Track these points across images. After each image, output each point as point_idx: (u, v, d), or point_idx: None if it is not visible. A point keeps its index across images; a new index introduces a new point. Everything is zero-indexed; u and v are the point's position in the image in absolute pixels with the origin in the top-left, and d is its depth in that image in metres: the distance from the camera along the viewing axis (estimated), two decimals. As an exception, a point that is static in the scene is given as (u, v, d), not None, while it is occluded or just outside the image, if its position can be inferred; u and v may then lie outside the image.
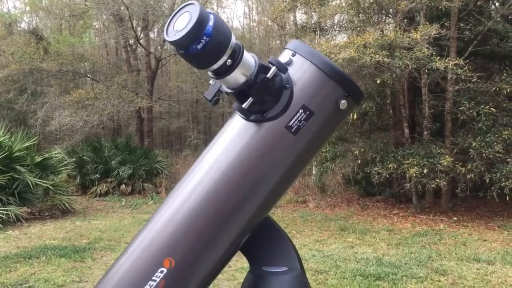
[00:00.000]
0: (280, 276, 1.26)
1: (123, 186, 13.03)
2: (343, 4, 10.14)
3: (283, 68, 1.14)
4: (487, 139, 8.02)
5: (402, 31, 8.48)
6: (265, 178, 1.20)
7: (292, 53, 1.22)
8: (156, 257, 1.18)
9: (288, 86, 1.17)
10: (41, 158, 10.44)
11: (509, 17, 10.03)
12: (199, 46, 1.02)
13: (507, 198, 8.02)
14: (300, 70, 1.19)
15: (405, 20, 9.66)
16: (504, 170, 7.89)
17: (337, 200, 11.30)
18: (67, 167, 12.25)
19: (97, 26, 20.32)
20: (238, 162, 1.18)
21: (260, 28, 23.20)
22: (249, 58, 1.12)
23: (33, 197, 9.64)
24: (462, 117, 8.54)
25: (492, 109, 8.17)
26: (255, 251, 1.32)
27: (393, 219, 9.04)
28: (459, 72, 7.97)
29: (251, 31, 24.60)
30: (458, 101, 8.71)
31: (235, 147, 1.20)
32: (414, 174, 8.25)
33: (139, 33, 16.55)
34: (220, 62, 1.07)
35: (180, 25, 1.04)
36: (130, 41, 17.01)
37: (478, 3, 9.64)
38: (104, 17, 17.59)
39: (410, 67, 8.14)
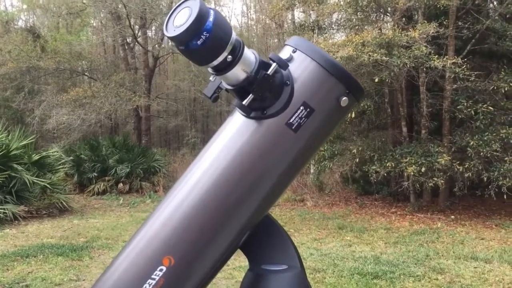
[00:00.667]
0: (279, 274, 1.25)
1: (120, 185, 13.01)
2: (341, 3, 10.13)
3: (283, 64, 1.13)
4: (485, 138, 8.03)
5: (400, 30, 8.48)
6: (265, 176, 1.19)
7: (293, 50, 1.21)
8: (155, 255, 1.17)
9: (288, 82, 1.16)
10: (38, 157, 10.41)
11: (507, 16, 10.03)
12: (199, 42, 1.01)
13: (505, 196, 8.03)
14: (301, 67, 1.18)
15: (403, 19, 9.65)
16: (502, 169, 7.90)
17: (335, 198, 11.30)
18: (65, 166, 12.22)
19: (94, 24, 20.25)
20: (238, 159, 1.17)
21: (258, 27, 23.19)
22: (249, 54, 1.11)
23: (30, 196, 9.60)
24: (460, 116, 8.55)
25: (490, 107, 8.18)
26: (254, 249, 1.31)
27: (391, 218, 9.05)
28: (457, 70, 7.97)
29: (249, 30, 24.58)
30: (456, 99, 8.72)
31: (235, 144, 1.19)
32: (412, 173, 8.26)
33: (136, 31, 16.50)
34: (220, 58, 1.06)
35: (180, 20, 1.03)
36: (127, 39, 16.97)
37: (476, 2, 9.64)
38: (101, 15, 17.53)
39: (408, 65, 8.14)
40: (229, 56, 1.06)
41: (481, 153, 7.99)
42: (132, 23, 15.79)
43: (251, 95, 1.11)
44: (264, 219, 1.30)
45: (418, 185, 8.96)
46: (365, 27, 9.70)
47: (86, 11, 16.81)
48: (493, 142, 7.93)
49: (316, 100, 1.17)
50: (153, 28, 18.04)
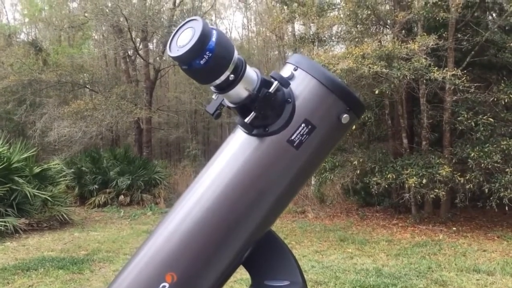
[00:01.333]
0: (282, 290, 1.25)
1: (121, 197, 13.00)
2: (341, 15, 10.21)
3: (285, 82, 1.15)
4: (486, 149, 8.04)
5: (400, 42, 8.53)
6: (267, 192, 1.20)
7: (294, 68, 1.22)
8: (158, 272, 1.17)
9: (290, 100, 1.17)
10: (39, 169, 10.42)
11: (506, 28, 10.09)
12: (202, 62, 1.03)
13: (506, 208, 8.02)
14: (302, 85, 1.20)
15: (403, 31, 9.72)
16: (503, 180, 7.90)
17: (336, 210, 11.28)
18: (66, 178, 12.22)
19: (96, 37, 20.40)
20: (240, 176, 1.19)
21: (259, 39, 23.30)
22: (251, 72, 1.13)
23: (31, 208, 9.60)
24: (460, 127, 8.57)
25: (490, 119, 8.20)
26: (256, 265, 1.31)
27: (393, 230, 9.03)
28: (457, 82, 8.01)
29: (249, 42, 24.72)
30: (456, 111, 8.74)
31: (237, 161, 1.20)
32: (413, 184, 8.26)
33: (138, 44, 16.61)
34: (222, 77, 1.07)
35: (183, 40, 1.04)
36: (129, 52, 17.07)
37: (475, 14, 9.71)
38: (103, 28, 17.65)
39: (408, 77, 8.17)
40: (231, 75, 1.08)
41: (482, 165, 7.99)
42: (133, 36, 15.91)
43: (253, 112, 1.13)
44: (266, 234, 1.30)
45: (419, 197, 8.96)
46: (365, 40, 9.76)
47: (87, 24, 16.93)
48: (494, 153, 7.93)
49: (317, 117, 1.18)
50: (154, 41, 18.15)
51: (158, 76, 17.65)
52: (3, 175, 9.24)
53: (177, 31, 1.09)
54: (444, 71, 8.13)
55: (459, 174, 8.27)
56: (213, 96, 1.18)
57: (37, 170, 10.32)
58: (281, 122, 1.16)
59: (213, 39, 1.03)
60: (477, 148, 8.16)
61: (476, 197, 9.22)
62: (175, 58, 1.05)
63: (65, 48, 16.94)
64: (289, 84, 1.17)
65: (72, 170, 13.23)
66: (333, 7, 11.16)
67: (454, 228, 8.85)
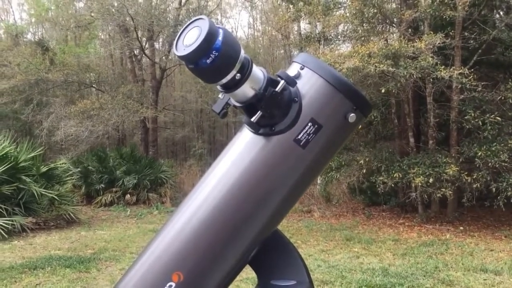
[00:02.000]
0: (288, 290, 1.25)
1: (128, 196, 13.04)
2: (347, 14, 10.17)
3: (291, 81, 1.15)
4: (493, 148, 7.99)
5: (407, 41, 8.50)
6: (274, 192, 1.20)
7: (301, 67, 1.22)
8: (164, 271, 1.17)
9: (296, 99, 1.17)
10: (46, 168, 10.47)
11: (514, 26, 10.04)
12: (208, 61, 1.03)
13: (514, 207, 7.97)
14: (308, 84, 1.19)
15: (410, 30, 9.68)
16: (510, 180, 7.85)
17: (342, 209, 11.26)
18: (72, 177, 12.27)
19: (102, 37, 20.47)
20: (246, 175, 1.18)
21: (265, 38, 23.30)
22: (258, 72, 1.13)
23: (38, 207, 9.65)
24: (467, 126, 8.52)
25: (498, 118, 8.14)
26: (263, 265, 1.31)
27: (399, 229, 9.00)
28: (464, 81, 7.97)
29: (255, 41, 24.71)
30: (463, 110, 8.70)
31: (243, 160, 1.20)
32: (419, 184, 8.23)
33: (144, 44, 16.64)
34: (229, 77, 1.07)
35: (190, 39, 1.04)
36: (135, 52, 17.11)
37: (482, 12, 9.65)
38: (109, 28, 17.70)
39: (414, 76, 8.14)
40: (238, 74, 1.08)
41: (489, 164, 7.95)
42: (139, 36, 15.94)
43: (259, 112, 1.13)
44: (272, 234, 1.30)
45: (426, 196, 8.93)
46: (371, 38, 9.72)
47: (94, 24, 16.99)
48: (501, 152, 7.88)
49: (324, 117, 1.18)
50: (160, 40, 18.19)
51: (164, 76, 17.68)
52: (11, 174, 9.29)
53: (183, 30, 1.09)
54: (451, 69, 8.09)
55: (466, 173, 8.23)
56: (220, 95, 1.17)
57: (44, 169, 10.38)
58: (287, 121, 1.16)
59: (220, 38, 1.03)
60: (485, 147, 8.11)
61: (483, 196, 9.18)
62: (181, 57, 1.04)
63: (71, 48, 17.01)
64: (296, 83, 1.17)
65: (79, 169, 13.29)
66: (339, 5, 11.14)
67: (461, 228, 8.81)
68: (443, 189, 8.28)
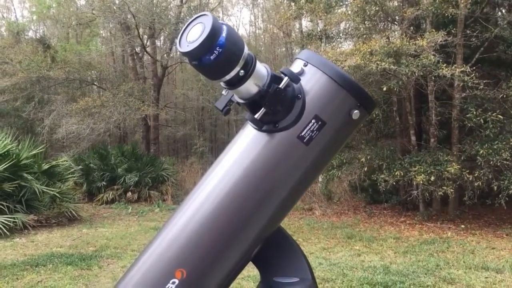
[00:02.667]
0: (291, 287, 1.25)
1: (129, 194, 13.06)
2: (349, 12, 10.16)
3: (295, 78, 1.14)
4: (495, 147, 7.98)
5: (408, 38, 8.48)
6: (277, 188, 1.20)
7: (304, 63, 1.22)
8: (168, 268, 1.17)
9: (300, 96, 1.17)
10: (48, 166, 10.48)
11: (516, 24, 10.01)
12: (212, 57, 1.02)
13: (515, 205, 7.97)
14: (312, 80, 1.19)
15: (411, 27, 9.66)
16: (512, 178, 7.84)
17: (343, 207, 11.26)
18: (74, 175, 12.28)
19: (103, 35, 20.44)
20: (250, 172, 1.18)
21: (266, 36, 23.27)
22: (261, 68, 1.13)
23: (40, 205, 9.66)
24: (469, 124, 8.51)
25: (500, 116, 8.13)
26: (266, 262, 1.31)
27: (400, 227, 8.99)
28: (465, 79, 7.95)
29: (256, 39, 24.67)
30: (465, 108, 8.68)
31: (247, 157, 1.20)
32: (421, 182, 8.22)
33: (145, 41, 16.62)
34: (232, 73, 1.07)
35: (193, 36, 1.04)
36: (136, 49, 17.09)
37: (485, 10, 9.63)
38: (111, 25, 17.69)
39: (416, 74, 8.13)
40: (242, 71, 1.07)
41: (491, 162, 7.94)
42: (141, 33, 15.92)
43: (263, 108, 1.12)
44: (275, 231, 1.30)
45: (427, 194, 8.92)
46: (373, 36, 9.71)
47: (95, 21, 16.96)
48: (503, 150, 7.87)
49: (328, 113, 1.18)
50: (162, 38, 18.16)
51: (166, 73, 17.66)
52: (12, 171, 9.30)
53: (187, 26, 1.08)
54: (453, 67, 8.07)
55: (468, 171, 8.22)
56: (223, 92, 1.17)
57: (45, 166, 10.38)
58: (291, 118, 1.16)
59: (223, 34, 1.03)
60: (486, 145, 8.10)
61: (485, 195, 9.16)
62: (185, 54, 1.04)
63: (73, 45, 16.99)
64: (299, 79, 1.16)
65: (80, 166, 13.30)
66: (341, 3, 11.11)
67: (462, 226, 8.80)
68: (445, 187, 8.27)
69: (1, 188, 9.02)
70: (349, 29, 11.46)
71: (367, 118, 1.38)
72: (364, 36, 10.14)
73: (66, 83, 16.21)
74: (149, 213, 11.55)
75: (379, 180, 8.93)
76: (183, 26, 1.09)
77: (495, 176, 8.17)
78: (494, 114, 8.13)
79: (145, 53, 16.94)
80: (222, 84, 1.13)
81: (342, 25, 11.77)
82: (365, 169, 9.44)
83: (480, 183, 8.13)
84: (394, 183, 8.98)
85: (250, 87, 1.10)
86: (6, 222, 8.47)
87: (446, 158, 8.51)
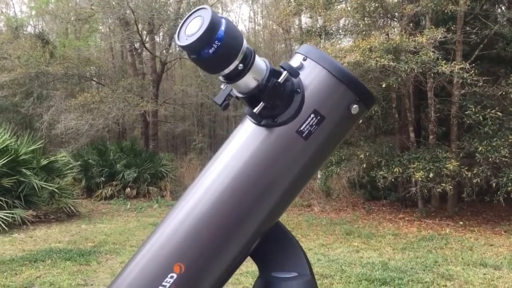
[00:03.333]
0: (289, 282, 1.25)
1: (128, 190, 13.05)
2: (349, 8, 10.13)
3: (294, 72, 1.14)
4: (493, 144, 7.98)
5: (408, 35, 8.47)
6: (276, 183, 1.20)
7: (303, 58, 1.21)
8: (166, 262, 1.17)
9: (299, 90, 1.16)
10: (46, 161, 10.46)
11: (515, 21, 10.00)
12: (210, 51, 1.02)
13: (514, 202, 7.98)
14: (311, 75, 1.19)
15: (411, 24, 9.65)
16: (511, 175, 7.85)
17: (342, 204, 11.26)
18: (73, 170, 12.27)
19: (102, 30, 20.39)
20: (248, 167, 1.18)
21: (265, 32, 23.21)
22: (260, 62, 1.12)
23: (38, 200, 9.65)
24: (468, 121, 8.51)
25: (499, 113, 8.13)
26: (265, 257, 1.31)
27: (399, 224, 9.01)
28: (465, 76, 7.95)
29: (256, 35, 24.61)
30: (464, 105, 8.68)
31: (245, 152, 1.19)
32: (420, 178, 8.22)
33: (144, 37, 16.59)
34: (231, 67, 1.06)
35: (192, 29, 1.03)
36: (135, 45, 17.05)
37: (484, 7, 9.62)
38: (110, 21, 17.63)
39: (415, 71, 8.12)
40: (240, 65, 1.07)
41: (490, 159, 7.94)
42: (140, 29, 15.88)
43: (262, 103, 1.12)
44: (274, 226, 1.30)
45: (426, 191, 8.93)
46: (372, 33, 9.69)
47: (94, 17, 16.92)
48: (501, 147, 7.87)
49: (327, 108, 1.17)
50: (161, 33, 18.12)
51: (165, 69, 17.63)
52: (11, 167, 9.29)
53: (185, 20, 1.08)
54: (452, 64, 8.06)
55: (467, 168, 8.22)
56: (222, 86, 1.17)
57: (44, 162, 10.37)
58: (290, 113, 1.15)
59: (222, 28, 1.02)
60: (485, 142, 8.10)
61: (484, 192, 9.18)
62: (183, 47, 1.04)
63: (71, 41, 16.95)
64: (299, 74, 1.16)
65: (79, 162, 13.29)
66: (340, -1, 11.10)
67: (461, 222, 8.81)
68: (443, 184, 8.28)
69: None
70: (349, 26, 11.44)
71: (367, 113, 1.38)
72: (364, 32, 10.13)
73: (65, 78, 16.16)
74: (148, 209, 11.55)
75: (378, 176, 8.94)
76: (182, 20, 1.09)
77: (494, 173, 8.18)
78: (493, 111, 8.12)
79: (144, 49, 16.92)
80: (220, 78, 1.13)
81: (342, 22, 11.75)
82: (364, 165, 9.45)
83: (479, 180, 8.14)
84: (393, 180, 8.99)
85: (249, 81, 1.10)
86: (4, 217, 8.47)
87: (445, 155, 8.52)
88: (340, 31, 11.76)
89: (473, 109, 8.27)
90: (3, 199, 8.88)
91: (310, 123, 1.15)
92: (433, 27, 8.45)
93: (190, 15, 1.08)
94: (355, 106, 1.18)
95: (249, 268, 5.36)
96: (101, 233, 8.41)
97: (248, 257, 1.31)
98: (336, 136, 1.24)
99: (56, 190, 9.98)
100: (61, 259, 6.44)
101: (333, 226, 8.83)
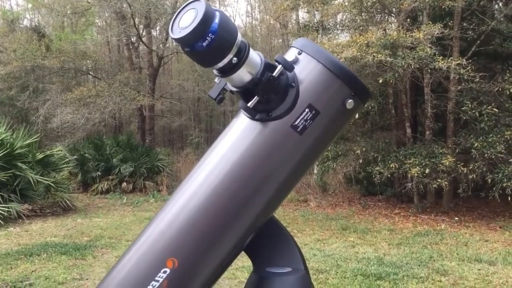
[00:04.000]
0: (284, 277, 1.25)
1: (124, 184, 13.03)
2: (346, 3, 10.11)
3: (289, 66, 1.13)
4: (489, 140, 8.00)
5: (405, 31, 8.46)
6: (270, 178, 1.19)
7: (298, 51, 1.20)
8: (159, 257, 1.16)
9: (294, 84, 1.15)
10: (42, 155, 10.43)
11: (513, 17, 10.00)
12: (204, 44, 1.01)
13: (509, 198, 8.00)
14: (306, 69, 1.18)
15: (408, 20, 9.62)
16: (506, 171, 7.87)
17: (338, 199, 11.28)
18: (69, 165, 12.24)
19: (99, 24, 20.28)
20: (243, 161, 1.17)
21: (263, 27, 23.14)
22: (255, 56, 1.11)
23: (34, 194, 9.63)
24: (464, 117, 8.53)
25: (495, 109, 8.14)
26: (259, 252, 1.30)
27: (395, 219, 9.03)
28: (461, 72, 7.95)
29: (253, 30, 24.56)
30: (461, 101, 8.69)
31: (240, 146, 1.18)
32: (415, 174, 8.24)
33: (141, 31, 16.51)
34: (225, 60, 1.05)
35: (186, 22, 1.02)
36: (132, 39, 16.98)
37: (481, 3, 9.61)
38: (106, 14, 17.53)
39: (412, 66, 8.12)
40: (235, 58, 1.06)
41: (486, 155, 7.96)
42: (136, 23, 15.79)
43: (256, 97, 1.11)
44: (268, 221, 1.29)
45: (422, 186, 8.95)
46: (370, 28, 9.68)
47: (90, 10, 16.82)
48: (497, 143, 7.90)
49: (322, 103, 1.16)
50: (158, 27, 18.05)
51: (161, 63, 17.57)
52: (6, 161, 9.26)
53: (179, 12, 1.07)
54: (449, 60, 8.06)
55: (462, 164, 8.24)
56: (216, 80, 1.16)
57: (40, 156, 10.34)
58: (284, 107, 1.15)
59: (216, 21, 1.01)
60: (481, 138, 8.12)
61: (479, 187, 9.20)
62: (177, 40, 1.02)
63: (68, 35, 16.84)
64: (293, 68, 1.15)
65: (75, 156, 13.25)
66: (338, -6, 11.06)
67: (456, 218, 8.85)
68: (439, 180, 8.30)
69: (-5, 177, 8.99)
70: (346, 21, 11.41)
71: (362, 108, 1.37)
72: (361, 28, 10.11)
73: (61, 72, 16.09)
74: (144, 204, 11.55)
75: (374, 172, 8.95)
76: (176, 12, 1.07)
77: (490, 169, 8.20)
78: (489, 107, 8.14)
79: (140, 43, 16.84)
80: (214, 71, 1.12)
81: (339, 17, 11.73)
82: (360, 161, 9.46)
83: (475, 176, 8.16)
84: (389, 175, 9.00)
85: (243, 75, 1.09)
86: (0, 211, 8.45)
87: (441, 151, 8.53)
88: (338, 26, 11.73)
89: (470, 105, 8.28)
90: (-2, 193, 8.86)
91: (305, 118, 1.15)
92: (430, 22, 8.45)
93: (184, 7, 1.06)
94: (350, 101, 1.17)
95: (244, 263, 5.37)
96: (97, 228, 8.41)
97: (243, 253, 1.31)
98: (331, 131, 1.23)
99: (52, 184, 9.96)
100: (56, 253, 6.43)
101: (329, 221, 8.84)
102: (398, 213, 9.48)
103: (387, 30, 9.78)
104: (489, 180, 8.15)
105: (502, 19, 9.59)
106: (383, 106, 10.63)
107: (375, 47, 8.07)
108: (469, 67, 7.93)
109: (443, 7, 8.44)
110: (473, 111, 8.24)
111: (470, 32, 8.72)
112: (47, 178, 9.91)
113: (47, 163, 10.50)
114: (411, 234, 7.72)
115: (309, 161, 1.26)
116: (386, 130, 10.81)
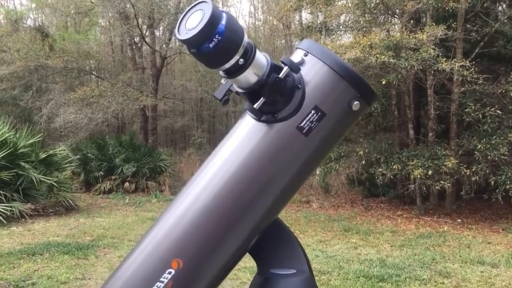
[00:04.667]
0: (288, 279, 1.25)
1: (126, 184, 13.05)
2: (349, 4, 10.11)
3: (295, 68, 1.13)
4: (493, 141, 7.99)
5: (408, 32, 8.45)
6: (275, 179, 1.19)
7: (305, 53, 1.20)
8: (164, 258, 1.16)
9: (300, 86, 1.15)
10: (45, 155, 10.45)
11: (516, 19, 9.97)
12: (211, 45, 1.01)
13: (512, 200, 7.99)
14: (312, 70, 1.18)
15: (411, 21, 9.63)
16: (509, 173, 7.86)
17: (340, 200, 11.28)
18: (71, 164, 12.26)
19: (102, 24, 20.32)
20: (248, 163, 1.17)
21: (266, 28, 23.16)
22: (261, 57, 1.11)
23: (37, 194, 9.65)
24: (467, 119, 8.51)
25: (498, 111, 8.12)
26: (263, 253, 1.30)
27: (397, 221, 9.02)
28: (465, 73, 7.94)
29: (256, 31, 24.55)
30: (464, 103, 8.68)
31: (245, 147, 1.18)
32: (418, 176, 8.23)
33: (144, 31, 16.54)
34: (232, 62, 1.05)
35: (192, 23, 1.02)
36: (135, 39, 17.01)
37: (485, 5, 9.59)
38: (109, 14, 17.57)
39: (415, 68, 8.11)
40: (241, 60, 1.06)
41: (489, 157, 7.94)
42: (140, 23, 15.83)
43: (262, 98, 1.11)
44: (273, 223, 1.29)
45: (424, 188, 8.93)
46: (373, 29, 9.67)
47: (94, 10, 16.86)
48: (500, 145, 7.88)
49: (328, 104, 1.16)
50: (161, 28, 18.06)
51: (164, 64, 17.60)
52: (10, 160, 9.27)
53: (186, 13, 1.07)
54: (453, 62, 8.05)
55: (465, 166, 8.23)
56: (222, 81, 1.16)
57: (43, 155, 10.35)
58: (290, 109, 1.14)
59: (223, 22, 1.01)
60: (484, 140, 8.10)
61: (482, 189, 9.19)
62: (183, 41, 1.02)
63: (71, 34, 16.88)
64: (299, 69, 1.15)
65: (78, 156, 13.28)
66: (341, -5, 11.06)
67: (459, 220, 8.83)
68: (442, 182, 8.28)
69: (-2, 177, 9.01)
70: (349, 22, 11.41)
71: (367, 110, 1.37)
72: (364, 29, 10.11)
73: (64, 72, 16.13)
74: (147, 204, 11.56)
75: (376, 173, 8.94)
76: (183, 14, 1.07)
77: (493, 171, 8.19)
78: (492, 109, 8.12)
79: (144, 43, 16.87)
80: (221, 73, 1.12)
81: (342, 18, 11.72)
82: (363, 162, 9.45)
83: (478, 178, 8.14)
84: (391, 177, 8.99)
85: (249, 76, 1.09)
86: (3, 210, 8.47)
87: (444, 153, 8.52)
88: (341, 27, 11.72)
89: (473, 107, 8.26)
90: (1, 192, 8.88)
91: (311, 119, 1.15)
92: (433, 24, 8.44)
93: (191, 8, 1.06)
94: (356, 102, 1.17)
95: (247, 264, 5.36)
96: (100, 227, 8.41)
97: (246, 254, 1.31)
98: (336, 132, 1.23)
99: (54, 184, 9.97)
100: (59, 252, 6.44)
101: (331, 223, 8.83)
102: (401, 215, 9.46)
103: (390, 31, 9.78)
104: (492, 182, 8.14)
105: (505, 21, 9.56)
106: (386, 108, 10.62)
107: (378, 48, 8.06)
108: (472, 69, 7.91)
109: (447, 8, 8.44)
110: (476, 113, 8.22)
111: (473, 34, 8.71)
112: (50, 178, 9.93)
113: (50, 163, 10.51)
114: (413, 236, 7.71)
115: (314, 162, 1.26)
116: (389, 132, 10.80)
